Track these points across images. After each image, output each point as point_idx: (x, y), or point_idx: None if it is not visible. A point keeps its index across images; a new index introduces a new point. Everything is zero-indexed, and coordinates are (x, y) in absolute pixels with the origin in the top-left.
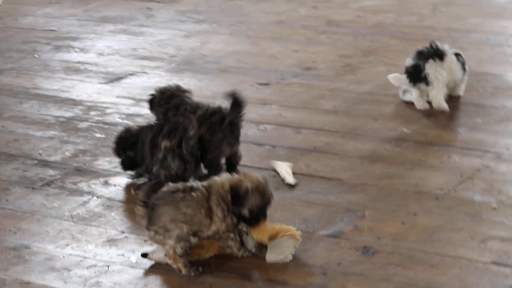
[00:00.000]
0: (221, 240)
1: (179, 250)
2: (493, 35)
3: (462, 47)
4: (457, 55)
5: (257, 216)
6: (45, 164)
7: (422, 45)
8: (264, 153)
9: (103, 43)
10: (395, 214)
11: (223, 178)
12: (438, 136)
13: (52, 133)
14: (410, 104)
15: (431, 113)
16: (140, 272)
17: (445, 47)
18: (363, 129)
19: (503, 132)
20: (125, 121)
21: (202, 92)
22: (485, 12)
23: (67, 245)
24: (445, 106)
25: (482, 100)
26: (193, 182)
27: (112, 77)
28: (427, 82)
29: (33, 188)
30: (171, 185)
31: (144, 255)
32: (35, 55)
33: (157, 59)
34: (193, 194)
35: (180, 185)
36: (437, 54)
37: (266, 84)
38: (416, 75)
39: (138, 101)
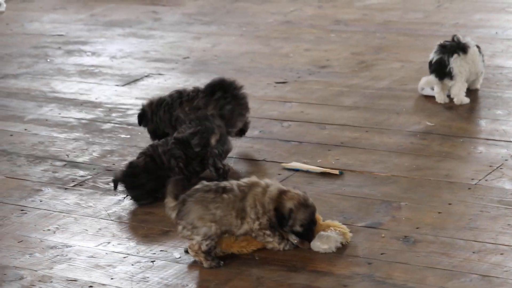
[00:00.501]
0: (258, 237)
1: (204, 247)
2: (501, 29)
3: None
4: (478, 47)
5: (309, 228)
6: (74, 165)
7: (443, 40)
8: (292, 149)
9: (114, 46)
10: (430, 204)
11: (268, 184)
12: (462, 128)
13: (76, 134)
14: (429, 98)
15: (451, 106)
16: (185, 267)
17: (467, 39)
18: (387, 123)
19: None
20: None
21: None
22: (490, 8)
23: (108, 242)
24: (467, 100)
25: (499, 92)
26: (227, 183)
27: (128, 79)
28: (451, 77)
29: (65, 188)
30: (204, 184)
31: (187, 251)
32: (48, 60)
33: (170, 61)
34: (225, 196)
35: (213, 184)
36: (460, 47)
37: (284, 82)
38: (441, 70)
39: None
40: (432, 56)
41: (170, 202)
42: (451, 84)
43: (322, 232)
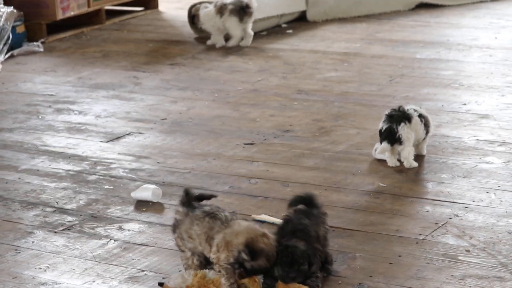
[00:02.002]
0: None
1: (195, 262)
2: (447, 103)
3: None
4: (420, 116)
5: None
6: (63, 211)
7: (389, 110)
8: (258, 203)
9: (99, 106)
10: (382, 256)
11: (244, 227)
12: (411, 189)
13: (65, 184)
14: (382, 161)
15: (401, 169)
16: None
17: (410, 110)
18: (344, 183)
19: (467, 186)
20: (129, 175)
21: (194, 150)
22: (437, 83)
23: (93, 281)
24: (415, 164)
25: (444, 158)
26: (222, 212)
27: (112, 136)
28: (400, 142)
29: (55, 232)
30: (214, 206)
31: (161, 284)
32: (39, 117)
33: (149, 121)
34: (207, 219)
35: (212, 208)
36: (405, 117)
37: (252, 144)
38: (391, 137)
39: (138, 157)
40: (382, 125)
41: (178, 207)
42: (400, 149)
43: None
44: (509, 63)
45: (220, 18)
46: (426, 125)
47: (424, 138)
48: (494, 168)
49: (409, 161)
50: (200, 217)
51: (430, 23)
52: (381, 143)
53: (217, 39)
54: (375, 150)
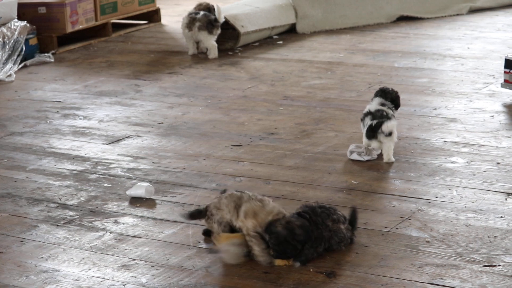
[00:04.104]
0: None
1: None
2: (419, 108)
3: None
4: None
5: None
6: (65, 207)
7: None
8: None
9: (102, 112)
10: (350, 246)
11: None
12: (380, 187)
13: (68, 182)
14: (355, 161)
15: (373, 168)
16: None
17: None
18: (320, 181)
19: (431, 184)
20: (127, 174)
21: (187, 151)
22: (411, 90)
23: (89, 269)
24: (393, 159)
25: (413, 158)
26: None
27: (112, 139)
28: (390, 133)
29: (57, 225)
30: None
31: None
32: (48, 121)
33: (147, 125)
34: (235, 193)
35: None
36: (392, 115)
37: (239, 146)
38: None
39: (135, 158)
40: (372, 122)
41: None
42: (387, 140)
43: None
44: (479, 71)
45: (189, 32)
46: None
47: None
48: (458, 167)
49: (390, 156)
50: (228, 194)
51: (410, 34)
52: (369, 137)
53: (189, 47)
54: (349, 151)
